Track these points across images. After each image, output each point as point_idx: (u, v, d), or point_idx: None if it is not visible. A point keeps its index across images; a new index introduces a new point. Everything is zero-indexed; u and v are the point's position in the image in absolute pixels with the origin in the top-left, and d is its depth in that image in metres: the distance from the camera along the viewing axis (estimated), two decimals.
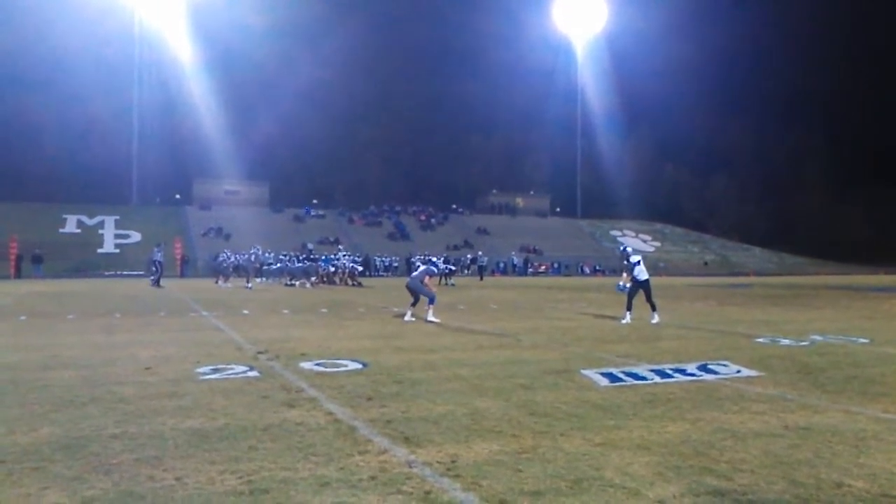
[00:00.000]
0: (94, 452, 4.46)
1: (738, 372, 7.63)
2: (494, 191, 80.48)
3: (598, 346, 9.94)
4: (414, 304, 14.14)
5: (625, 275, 14.16)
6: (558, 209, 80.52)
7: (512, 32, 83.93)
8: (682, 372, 7.59)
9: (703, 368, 7.81)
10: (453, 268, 36.34)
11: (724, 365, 8.06)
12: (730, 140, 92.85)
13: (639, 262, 13.67)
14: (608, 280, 45.66)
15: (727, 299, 22.35)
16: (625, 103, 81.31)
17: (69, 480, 3.91)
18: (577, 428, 5.14)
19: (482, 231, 66.61)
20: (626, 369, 7.73)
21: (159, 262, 30.40)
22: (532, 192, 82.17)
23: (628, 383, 6.97)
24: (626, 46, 79.81)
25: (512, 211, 75.83)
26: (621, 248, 15.25)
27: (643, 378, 7.22)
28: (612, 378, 7.21)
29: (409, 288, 14.16)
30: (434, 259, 19.84)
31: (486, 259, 47.71)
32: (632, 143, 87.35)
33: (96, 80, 64.88)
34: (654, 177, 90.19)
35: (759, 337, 11.02)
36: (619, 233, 74.07)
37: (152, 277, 30.58)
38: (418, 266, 16.20)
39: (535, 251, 62.31)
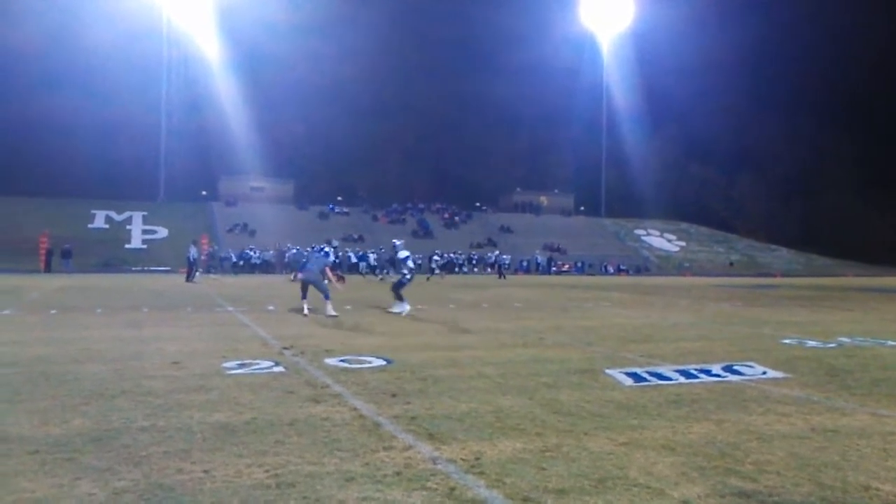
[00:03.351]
0: (124, 444, 4.54)
1: (764, 373, 7.57)
2: (518, 189, 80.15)
3: (623, 345, 9.90)
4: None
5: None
6: (582, 208, 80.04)
7: (537, 29, 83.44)
8: (707, 373, 7.54)
9: (729, 369, 7.76)
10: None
11: (750, 366, 8.00)
12: (757, 139, 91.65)
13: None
14: (632, 280, 45.42)
15: (753, 300, 22.11)
16: (651, 101, 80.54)
17: (100, 471, 4.00)
18: (601, 427, 5.14)
19: (506, 229, 66.46)
20: (651, 369, 7.70)
21: (195, 259, 31.38)
22: (556, 191, 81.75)
23: (653, 383, 6.94)
24: (653, 44, 79.08)
25: (536, 209, 75.47)
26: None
27: (668, 378, 7.19)
28: (637, 378, 7.19)
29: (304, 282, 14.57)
30: (327, 249, 19.20)
31: (506, 258, 47.56)
32: (657, 141, 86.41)
33: (125, 77, 65.74)
34: (679, 176, 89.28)
35: (786, 338, 10.91)
36: (643, 232, 73.47)
37: (196, 272, 31.39)
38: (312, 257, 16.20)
39: (558, 250, 62.05)
